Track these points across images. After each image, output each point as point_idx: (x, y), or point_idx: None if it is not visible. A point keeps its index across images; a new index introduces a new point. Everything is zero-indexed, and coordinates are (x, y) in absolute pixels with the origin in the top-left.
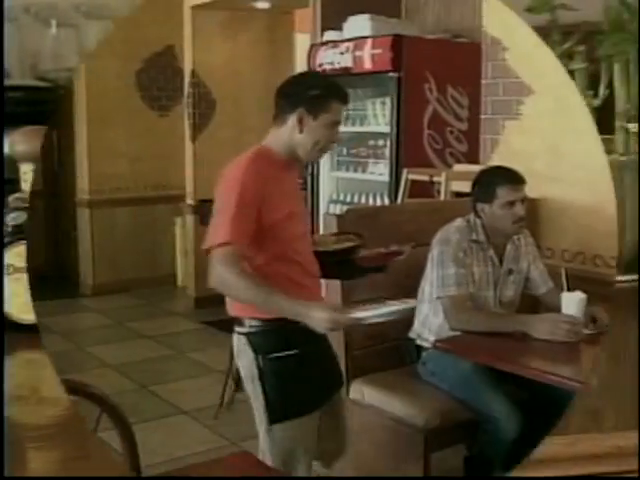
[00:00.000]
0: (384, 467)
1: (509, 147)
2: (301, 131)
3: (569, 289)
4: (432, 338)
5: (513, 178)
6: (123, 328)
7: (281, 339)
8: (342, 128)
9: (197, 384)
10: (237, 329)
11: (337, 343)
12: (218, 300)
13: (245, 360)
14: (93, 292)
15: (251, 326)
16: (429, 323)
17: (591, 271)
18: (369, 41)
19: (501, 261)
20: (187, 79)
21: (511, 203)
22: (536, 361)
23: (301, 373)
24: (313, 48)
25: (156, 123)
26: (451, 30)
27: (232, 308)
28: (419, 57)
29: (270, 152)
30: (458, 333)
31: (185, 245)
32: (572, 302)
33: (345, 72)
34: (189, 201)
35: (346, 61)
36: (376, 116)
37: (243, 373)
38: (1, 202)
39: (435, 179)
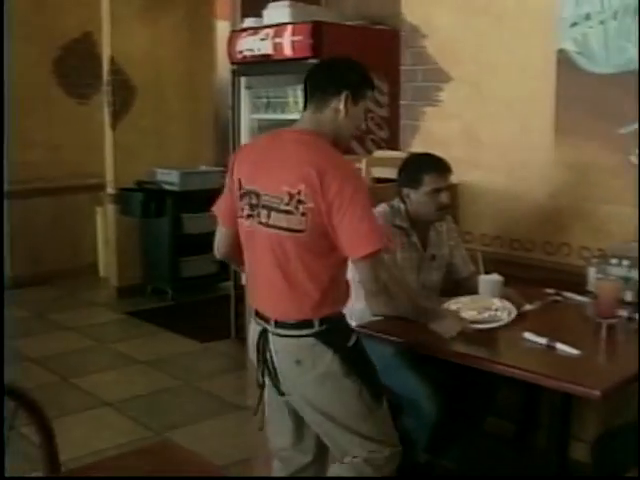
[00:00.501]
0: None
1: (429, 133)
2: (346, 114)
3: (486, 272)
4: (354, 324)
5: (441, 166)
6: (44, 320)
7: (347, 329)
8: (262, 115)
9: (120, 375)
10: (303, 332)
11: None
12: (140, 290)
13: (320, 360)
14: (12, 284)
15: (321, 325)
16: (351, 309)
17: (509, 254)
18: (289, 28)
19: (424, 246)
20: (106, 66)
21: (437, 190)
22: (456, 344)
23: (365, 352)
24: (233, 35)
25: (75, 111)
26: (371, 17)
27: (300, 312)
28: (339, 44)
29: (327, 140)
30: (380, 318)
31: (106, 235)
32: (489, 284)
33: (265, 59)
34: (110, 190)
35: (266, 48)
36: (297, 103)
37: (319, 373)
38: (1, 202)
39: (356, 165)
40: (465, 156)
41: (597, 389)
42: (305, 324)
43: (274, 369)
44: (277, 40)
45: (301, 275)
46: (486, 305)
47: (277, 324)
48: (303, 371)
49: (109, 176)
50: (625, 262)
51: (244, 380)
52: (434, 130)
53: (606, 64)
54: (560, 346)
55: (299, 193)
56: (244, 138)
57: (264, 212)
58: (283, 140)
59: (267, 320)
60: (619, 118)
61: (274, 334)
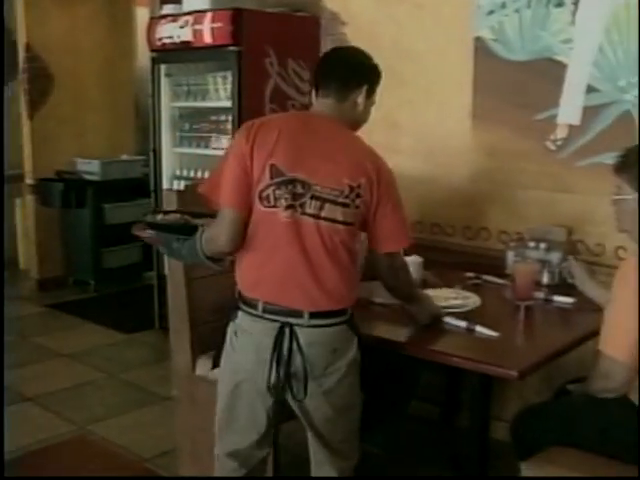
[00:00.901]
0: None
1: None
2: (363, 108)
3: (406, 254)
4: None
5: None
6: None
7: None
8: (183, 103)
9: (43, 369)
10: (338, 319)
11: (182, 318)
12: (62, 282)
13: (352, 346)
14: None
15: (349, 313)
16: None
17: (429, 239)
18: (208, 15)
19: None
20: (22, 54)
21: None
22: (378, 328)
23: None
24: (152, 22)
25: None
26: (291, 4)
27: (339, 301)
28: (259, 31)
29: None
30: None
31: (26, 226)
32: (409, 265)
33: (185, 46)
34: (28, 181)
35: (186, 35)
36: (217, 91)
37: (350, 359)
38: (1, 201)
39: None
40: (385, 142)
41: (514, 370)
42: (341, 312)
43: (303, 364)
44: (197, 27)
45: (344, 264)
46: (448, 295)
47: (312, 315)
48: (337, 358)
49: (28, 167)
50: (542, 245)
51: (168, 370)
52: None
53: (522, 51)
54: (479, 329)
55: (359, 186)
56: (165, 126)
57: (315, 203)
58: (322, 127)
59: (295, 314)
60: (535, 104)
61: (307, 326)
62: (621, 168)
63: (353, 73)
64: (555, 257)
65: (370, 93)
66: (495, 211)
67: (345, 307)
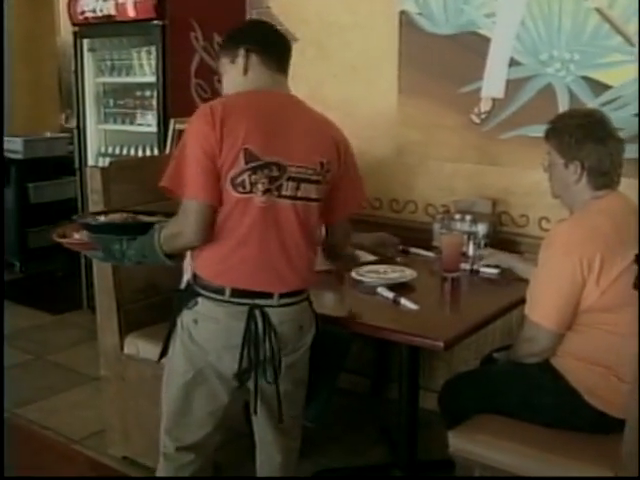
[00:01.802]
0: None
1: None
2: None
3: None
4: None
5: None
6: None
7: None
8: (107, 79)
9: None
10: (302, 297)
11: (108, 298)
12: None
13: (312, 324)
14: None
15: (308, 291)
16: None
17: (357, 213)
18: None
19: None
20: None
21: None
22: None
23: None
24: None
25: None
26: None
27: (306, 280)
28: (184, 5)
29: None
30: None
31: None
32: None
33: (108, 20)
34: None
35: (108, 9)
36: (142, 66)
37: (312, 335)
38: (1, 200)
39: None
40: None
41: (440, 340)
42: (304, 289)
43: (275, 344)
44: (120, 0)
45: (314, 242)
46: (385, 269)
47: (282, 296)
48: (303, 335)
49: None
50: (468, 217)
51: (97, 351)
52: None
53: (446, 25)
54: (403, 301)
55: (329, 162)
56: (89, 102)
57: (291, 184)
58: (286, 104)
59: (264, 296)
60: (460, 78)
61: (277, 306)
62: (550, 135)
63: (289, 49)
64: (481, 229)
65: None
66: (421, 184)
67: (309, 285)
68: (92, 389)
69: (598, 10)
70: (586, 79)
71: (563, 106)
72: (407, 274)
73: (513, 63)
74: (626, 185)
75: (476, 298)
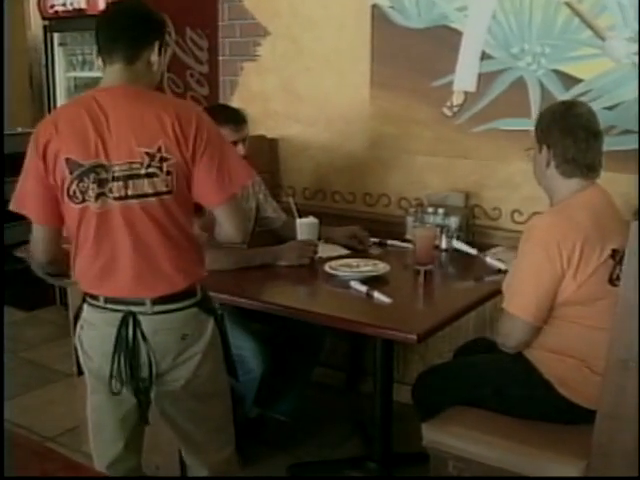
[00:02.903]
0: None
1: (248, 88)
2: (159, 66)
3: (300, 216)
4: None
5: (235, 117)
6: None
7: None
8: (79, 74)
9: None
10: (187, 302)
11: (80, 294)
12: None
13: (204, 331)
14: None
15: (201, 292)
16: None
17: (331, 207)
18: None
19: None
20: None
21: (234, 143)
22: (279, 295)
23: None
24: None
25: None
26: None
27: (181, 281)
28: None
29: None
30: None
31: None
32: (307, 227)
33: (79, 14)
34: None
35: (79, 2)
36: None
37: (205, 343)
38: (1, 199)
39: None
40: (284, 110)
41: (413, 333)
42: (188, 294)
43: (148, 356)
44: None
45: (176, 240)
46: (358, 262)
47: (155, 301)
48: (189, 345)
49: None
50: (440, 210)
51: (70, 347)
52: (253, 85)
53: (418, 19)
54: (376, 295)
55: (159, 150)
56: (60, 97)
57: (118, 184)
58: (106, 100)
59: (137, 302)
60: (432, 71)
61: (151, 313)
62: (535, 127)
63: (141, 29)
64: (453, 222)
65: (165, 48)
66: (394, 178)
67: (190, 288)
68: (65, 386)
69: (568, 4)
70: (557, 72)
71: (534, 99)
72: (380, 267)
73: (485, 57)
74: (604, 179)
75: (449, 291)
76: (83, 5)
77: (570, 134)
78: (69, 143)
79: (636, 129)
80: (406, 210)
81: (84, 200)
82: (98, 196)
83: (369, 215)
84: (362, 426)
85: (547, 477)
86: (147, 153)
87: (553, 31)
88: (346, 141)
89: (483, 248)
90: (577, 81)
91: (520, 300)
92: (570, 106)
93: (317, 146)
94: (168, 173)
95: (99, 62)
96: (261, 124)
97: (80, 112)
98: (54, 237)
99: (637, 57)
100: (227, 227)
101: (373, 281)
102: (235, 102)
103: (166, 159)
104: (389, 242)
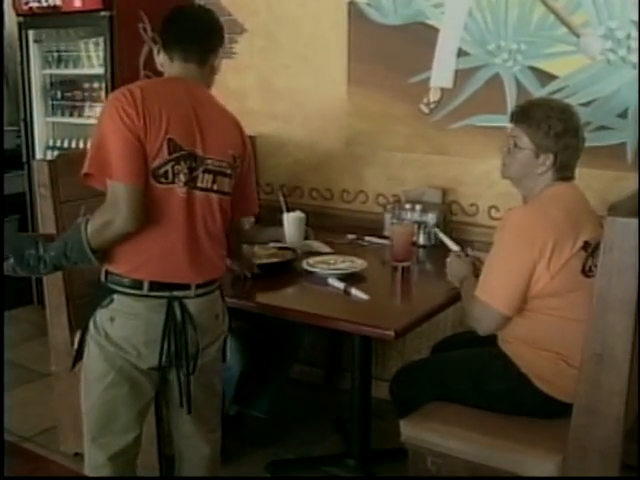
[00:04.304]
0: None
1: (225, 85)
2: (216, 72)
3: (288, 211)
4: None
5: None
6: None
7: None
8: (54, 71)
9: None
10: (214, 286)
11: (58, 293)
12: None
13: (226, 312)
14: None
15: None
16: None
17: (309, 204)
18: None
19: None
20: None
21: None
22: (257, 293)
23: None
24: None
25: None
26: None
27: (220, 270)
28: None
29: None
30: None
31: None
32: (292, 220)
33: (54, 11)
34: None
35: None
36: (90, 58)
37: (227, 323)
38: (1, 198)
39: None
40: (262, 108)
41: (391, 329)
42: (217, 279)
43: (194, 336)
44: None
45: (224, 234)
46: (336, 259)
47: (198, 285)
48: (219, 324)
49: None
50: (418, 207)
51: (47, 346)
52: (230, 82)
53: (395, 16)
54: (354, 291)
55: (238, 157)
56: (35, 95)
57: (207, 177)
58: (200, 95)
59: (182, 287)
60: (408, 68)
61: (195, 296)
62: (522, 120)
63: (212, 36)
64: (430, 218)
65: (219, 56)
66: (372, 174)
67: (223, 275)
68: (43, 385)
69: (543, 1)
70: (533, 69)
71: (511, 96)
72: (358, 264)
73: (461, 53)
74: (579, 175)
75: (426, 287)
76: (58, 2)
77: (577, 141)
78: (174, 124)
79: (611, 125)
80: (384, 207)
81: (173, 182)
82: (186, 182)
83: (347, 212)
84: (341, 423)
85: (530, 477)
86: (233, 156)
87: (529, 28)
88: (323, 138)
89: (461, 244)
90: (553, 78)
91: (491, 288)
92: (568, 109)
93: (294, 143)
94: (235, 177)
95: (160, 59)
96: None
97: (181, 97)
98: (142, 200)
99: (612, 54)
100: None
101: (351, 278)
102: None
103: (238, 166)
104: (367, 239)
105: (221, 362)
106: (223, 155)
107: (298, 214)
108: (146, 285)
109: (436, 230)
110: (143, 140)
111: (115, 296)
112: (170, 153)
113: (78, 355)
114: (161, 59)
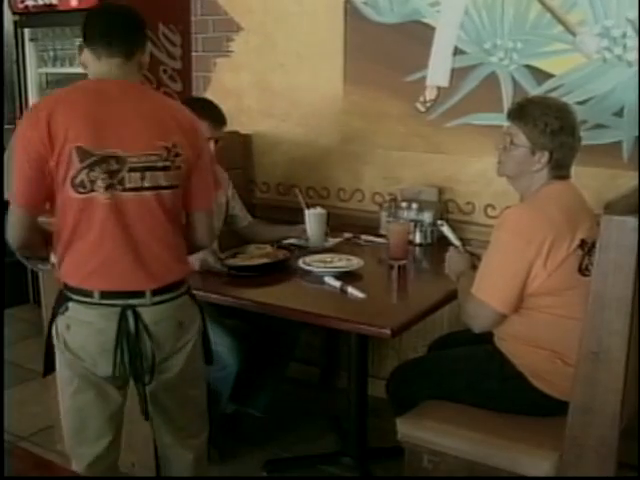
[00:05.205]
0: None
1: (221, 84)
2: (144, 67)
3: (308, 207)
4: None
5: (218, 116)
6: None
7: None
8: (50, 69)
9: None
10: (181, 290)
11: (54, 292)
12: None
13: (196, 318)
14: None
15: (187, 282)
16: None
17: (305, 203)
18: None
19: None
20: None
21: (208, 139)
22: (254, 291)
23: None
24: None
25: None
26: None
27: (177, 271)
28: None
29: None
30: None
31: None
32: (313, 217)
33: (50, 10)
34: None
35: None
36: None
37: (195, 331)
38: (1, 197)
39: None
40: (258, 106)
41: (387, 328)
42: (181, 282)
43: (150, 346)
44: None
45: (176, 232)
46: (332, 257)
47: (154, 292)
48: (184, 332)
49: None
50: (414, 205)
51: (43, 346)
52: (226, 81)
53: (391, 14)
54: (350, 290)
55: (175, 145)
56: (32, 94)
57: (134, 175)
58: (119, 91)
59: (136, 295)
60: (405, 67)
61: (151, 304)
62: (518, 117)
63: (136, 29)
64: (427, 217)
65: (146, 52)
66: (368, 173)
67: (184, 277)
68: (39, 385)
69: (539, 0)
70: (529, 67)
71: (507, 94)
72: (354, 263)
73: (457, 52)
74: (575, 173)
75: (423, 285)
76: (54, 1)
77: (573, 139)
78: (80, 131)
79: (607, 123)
80: (380, 205)
81: (92, 190)
82: (108, 187)
83: (343, 210)
84: (337, 421)
85: (527, 477)
86: (165, 147)
87: (525, 27)
88: (320, 136)
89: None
90: (549, 76)
91: (488, 286)
92: (566, 108)
93: (291, 142)
94: (178, 168)
95: (82, 57)
96: (234, 120)
97: (88, 100)
98: (30, 224)
99: (608, 52)
100: (202, 232)
101: (347, 276)
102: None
103: (179, 155)
104: (363, 237)
105: (199, 370)
106: (151, 148)
107: (320, 210)
108: (97, 294)
109: (440, 222)
110: (49, 158)
111: (70, 304)
112: (81, 161)
113: (47, 365)
114: (83, 58)
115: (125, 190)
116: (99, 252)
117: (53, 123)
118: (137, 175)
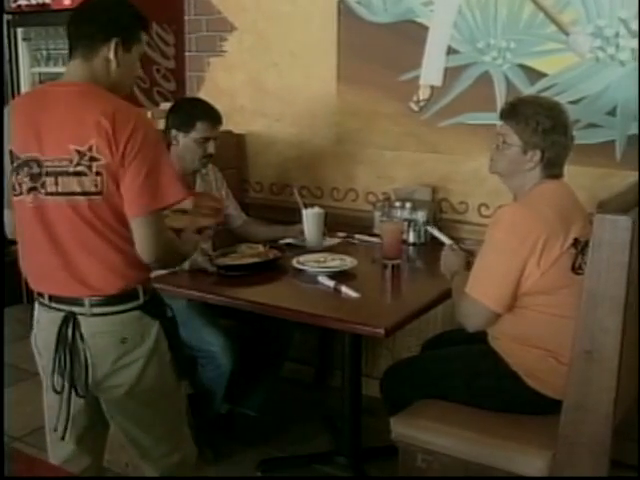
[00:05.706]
0: None
1: (215, 84)
2: (118, 65)
3: (305, 207)
4: None
5: (214, 116)
6: None
7: (162, 299)
8: (43, 69)
9: None
10: (129, 305)
11: None
12: None
13: (147, 335)
14: None
15: (145, 295)
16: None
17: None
18: None
19: None
20: None
21: (206, 139)
22: (247, 291)
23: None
24: None
25: None
26: None
27: (113, 284)
28: None
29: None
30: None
31: None
32: (311, 216)
33: (43, 9)
34: None
35: None
36: None
37: (147, 349)
38: (1, 200)
39: None
40: (251, 106)
41: (381, 327)
42: (129, 297)
43: (85, 359)
44: None
45: (110, 241)
46: (325, 257)
47: (93, 304)
48: (129, 350)
49: None
50: (408, 205)
51: None
52: (220, 81)
53: (384, 14)
54: (344, 289)
55: (90, 149)
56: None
57: (50, 180)
58: (54, 94)
59: (77, 302)
60: (398, 66)
61: (90, 315)
62: (510, 116)
63: (99, 25)
64: (420, 216)
65: (129, 46)
66: (362, 172)
67: (130, 290)
68: (33, 385)
69: None
70: (522, 67)
71: (500, 94)
72: (348, 262)
73: (451, 51)
74: (568, 172)
75: (416, 285)
76: (47, 0)
77: (565, 138)
78: (16, 135)
79: (600, 123)
80: (373, 204)
81: (21, 193)
82: (30, 190)
83: (337, 210)
84: (331, 420)
85: (522, 477)
86: (77, 151)
87: (518, 26)
88: (313, 136)
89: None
90: (542, 75)
91: (482, 285)
92: (557, 107)
93: (284, 141)
94: (97, 174)
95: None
96: (228, 119)
97: (29, 103)
98: None
99: (601, 52)
100: (138, 243)
101: (341, 276)
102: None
103: (96, 159)
104: (357, 237)
105: (159, 390)
106: (63, 152)
107: (317, 210)
108: (47, 297)
109: (427, 227)
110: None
111: (35, 304)
112: (12, 164)
113: None
114: None
115: (47, 194)
116: (33, 256)
117: (7, 125)
118: (52, 179)
